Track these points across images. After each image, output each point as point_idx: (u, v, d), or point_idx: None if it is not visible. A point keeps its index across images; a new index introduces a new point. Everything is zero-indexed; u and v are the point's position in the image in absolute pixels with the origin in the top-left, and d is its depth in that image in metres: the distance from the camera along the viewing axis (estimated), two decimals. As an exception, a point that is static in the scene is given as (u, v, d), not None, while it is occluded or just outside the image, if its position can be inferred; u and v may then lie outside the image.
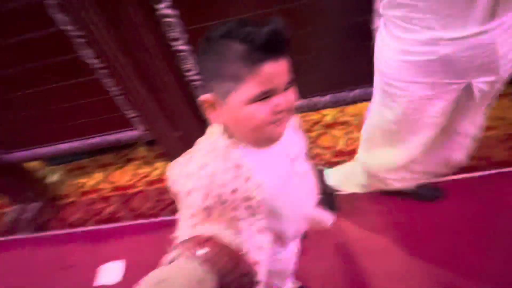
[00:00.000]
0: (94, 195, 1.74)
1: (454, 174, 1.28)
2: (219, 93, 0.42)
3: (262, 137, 0.46)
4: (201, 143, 0.49)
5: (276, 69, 0.39)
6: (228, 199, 0.45)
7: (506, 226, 1.07)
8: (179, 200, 0.45)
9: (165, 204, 1.54)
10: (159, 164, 1.82)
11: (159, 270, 0.30)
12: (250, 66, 0.38)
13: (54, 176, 1.88)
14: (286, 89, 0.43)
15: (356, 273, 1.07)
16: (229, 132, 0.47)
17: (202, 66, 0.43)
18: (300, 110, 1.22)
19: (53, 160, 2.02)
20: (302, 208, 0.63)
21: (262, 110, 0.41)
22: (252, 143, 0.48)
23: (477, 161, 1.32)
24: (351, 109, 1.83)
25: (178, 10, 0.91)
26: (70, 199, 1.76)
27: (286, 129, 0.48)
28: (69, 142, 1.37)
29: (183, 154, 0.48)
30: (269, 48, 0.38)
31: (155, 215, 1.49)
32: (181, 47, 1.00)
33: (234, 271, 0.33)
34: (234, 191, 0.45)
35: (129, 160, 1.93)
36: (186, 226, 0.45)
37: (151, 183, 1.71)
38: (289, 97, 0.44)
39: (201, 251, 0.31)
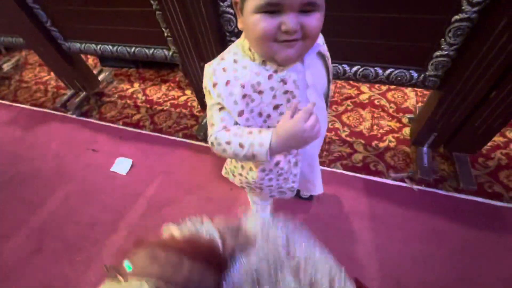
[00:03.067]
0: (129, 101, 1.96)
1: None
2: None
3: (268, 52, 0.46)
4: (230, 47, 0.54)
5: None
6: (263, 89, 0.50)
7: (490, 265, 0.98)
8: (215, 92, 0.50)
9: (180, 127, 1.69)
10: (188, 92, 1.94)
11: None
12: None
13: (104, 75, 2.13)
14: (303, 11, 0.41)
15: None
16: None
17: None
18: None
19: (106, 61, 2.27)
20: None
21: (265, 22, 0.41)
22: (262, 56, 0.48)
23: (506, 191, 1.16)
24: (391, 94, 1.66)
25: None
26: (111, 99, 2.02)
27: (303, 57, 0.49)
28: (115, 45, 1.51)
29: (215, 58, 0.53)
30: None
31: (170, 134, 1.66)
32: (219, -27, 0.97)
33: (182, 266, 0.27)
34: (270, 77, 0.50)
35: (165, 81, 2.08)
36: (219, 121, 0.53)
37: (177, 106, 1.85)
38: (304, 21, 0.42)
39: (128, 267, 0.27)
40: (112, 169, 1.53)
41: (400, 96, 1.65)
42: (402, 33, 0.93)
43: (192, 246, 0.30)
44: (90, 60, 2.45)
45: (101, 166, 1.56)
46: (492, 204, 1.12)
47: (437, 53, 0.93)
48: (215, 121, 0.54)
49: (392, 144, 1.41)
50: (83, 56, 1.99)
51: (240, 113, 0.52)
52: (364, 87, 1.73)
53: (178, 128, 1.69)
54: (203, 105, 1.64)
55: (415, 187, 1.22)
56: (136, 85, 2.10)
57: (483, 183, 1.20)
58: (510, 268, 0.97)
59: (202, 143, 1.57)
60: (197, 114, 1.76)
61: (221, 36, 1.18)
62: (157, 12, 1.22)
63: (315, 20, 0.43)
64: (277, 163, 0.65)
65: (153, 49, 1.43)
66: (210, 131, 0.55)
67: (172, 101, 1.89)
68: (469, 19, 0.81)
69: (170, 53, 1.39)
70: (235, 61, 0.50)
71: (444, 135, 1.18)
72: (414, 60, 0.99)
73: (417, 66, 1.00)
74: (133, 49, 1.47)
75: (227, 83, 0.49)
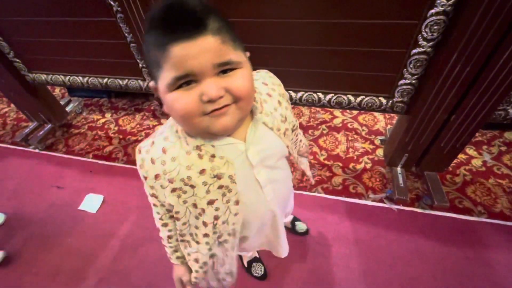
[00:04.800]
0: (100, 132, 1.86)
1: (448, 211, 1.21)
2: (155, 80, 0.39)
3: (199, 128, 0.39)
4: (164, 127, 0.48)
5: (189, 50, 0.33)
6: (195, 184, 0.45)
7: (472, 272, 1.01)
8: (147, 184, 0.48)
9: (156, 158, 1.62)
10: (164, 121, 1.90)
11: None
12: (162, 50, 0.34)
13: (73, 106, 2.03)
14: (223, 72, 0.36)
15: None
16: None
17: (144, 58, 0.42)
18: (299, 103, 1.19)
19: (75, 91, 2.18)
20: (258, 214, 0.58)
21: (184, 99, 0.36)
22: (194, 133, 0.44)
23: (474, 205, 1.23)
24: (362, 118, 1.76)
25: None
26: (80, 130, 1.91)
27: (239, 121, 0.41)
28: (86, 76, 1.46)
29: (148, 138, 0.48)
30: (171, 27, 0.33)
31: (145, 165, 1.58)
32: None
33: None
34: (202, 172, 0.45)
35: (139, 110, 2.02)
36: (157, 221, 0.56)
37: (152, 136, 1.79)
38: (227, 83, 0.36)
39: None
40: (81, 207, 1.40)
41: (370, 119, 1.75)
42: (370, 64, 1.01)
43: None
44: (57, 90, 2.33)
45: (67, 205, 1.42)
46: (465, 219, 1.18)
47: (402, 81, 1.01)
48: (154, 213, 0.56)
49: (368, 166, 1.46)
50: (49, 86, 1.89)
51: (170, 206, 0.50)
52: (337, 112, 1.82)
53: (154, 159, 1.62)
54: (180, 135, 1.60)
55: (394, 207, 1.25)
56: (108, 115, 2.01)
57: (454, 199, 1.27)
58: (488, 283, 1.00)
59: (180, 174, 1.50)
60: (174, 143, 1.71)
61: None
62: (132, 45, 1.21)
63: (239, 80, 0.37)
64: (213, 255, 0.57)
65: (127, 80, 1.39)
66: (154, 216, 0.57)
67: (147, 131, 1.83)
68: (426, 52, 0.90)
69: (145, 83, 1.37)
70: (163, 151, 0.44)
71: (414, 155, 1.25)
72: (382, 88, 1.06)
73: (385, 93, 1.08)
74: (105, 80, 1.43)
75: (157, 176, 0.45)
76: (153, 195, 0.50)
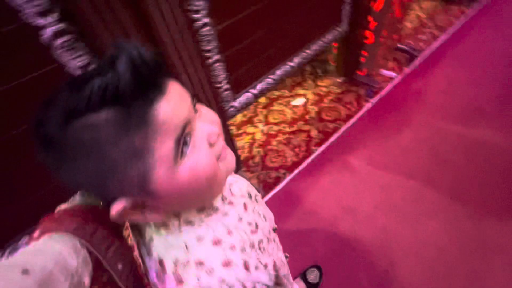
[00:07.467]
0: None
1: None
2: (130, 189, 0.27)
3: (222, 181, 0.35)
4: (159, 239, 0.34)
5: (172, 101, 0.27)
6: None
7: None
8: None
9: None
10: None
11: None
12: (140, 128, 0.25)
13: None
14: (195, 110, 0.32)
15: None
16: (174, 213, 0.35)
17: (68, 174, 0.26)
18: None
19: None
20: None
21: (201, 156, 0.29)
22: (210, 199, 0.37)
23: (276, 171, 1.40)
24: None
25: None
26: None
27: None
28: None
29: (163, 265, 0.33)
30: (146, 90, 0.25)
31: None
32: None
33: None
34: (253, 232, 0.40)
35: None
36: None
37: None
38: (208, 114, 0.33)
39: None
40: None
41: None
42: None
43: (91, 213, 0.32)
44: None
45: None
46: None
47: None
48: None
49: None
50: None
51: None
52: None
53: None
54: None
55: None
56: None
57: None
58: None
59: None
60: None
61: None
62: None
63: (207, 110, 0.34)
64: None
65: None
66: None
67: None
68: None
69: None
70: (200, 264, 0.33)
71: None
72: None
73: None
74: None
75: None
76: None
